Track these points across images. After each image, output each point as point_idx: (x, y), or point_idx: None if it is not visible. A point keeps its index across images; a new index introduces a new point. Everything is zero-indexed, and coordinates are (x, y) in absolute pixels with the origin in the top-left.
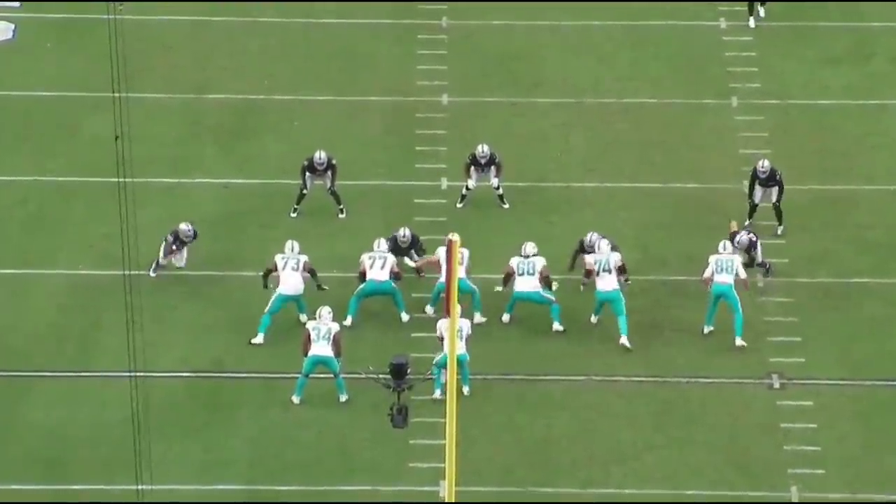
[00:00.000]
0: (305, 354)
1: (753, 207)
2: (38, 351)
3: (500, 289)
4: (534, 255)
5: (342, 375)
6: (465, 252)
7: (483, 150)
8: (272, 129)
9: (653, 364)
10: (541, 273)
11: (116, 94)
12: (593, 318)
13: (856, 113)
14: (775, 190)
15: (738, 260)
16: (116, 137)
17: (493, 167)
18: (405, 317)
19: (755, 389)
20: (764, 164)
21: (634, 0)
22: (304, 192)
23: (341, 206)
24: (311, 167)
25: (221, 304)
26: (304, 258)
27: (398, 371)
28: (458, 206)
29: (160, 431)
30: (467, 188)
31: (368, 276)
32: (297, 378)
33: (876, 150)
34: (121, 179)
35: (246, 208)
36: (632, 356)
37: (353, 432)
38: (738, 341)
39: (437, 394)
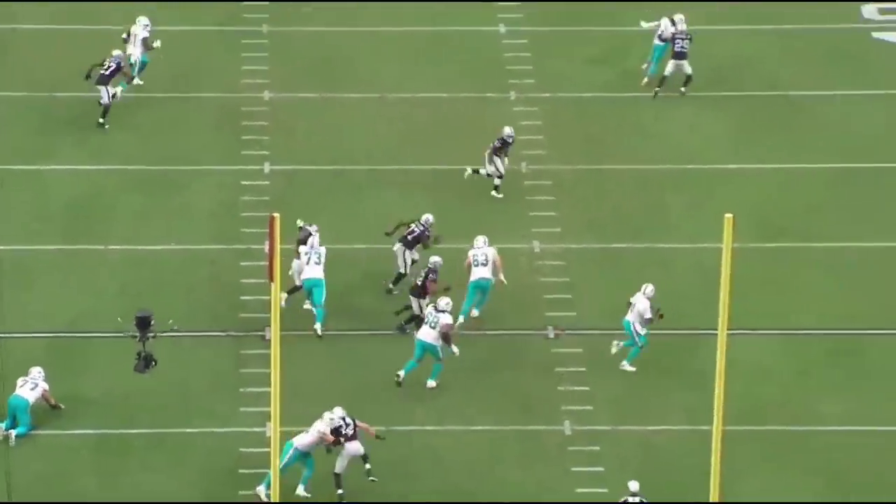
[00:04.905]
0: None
1: None
2: None
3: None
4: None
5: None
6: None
7: (511, 131)
8: (118, 122)
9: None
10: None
11: None
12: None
13: (613, 104)
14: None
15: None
16: None
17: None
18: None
19: (533, 339)
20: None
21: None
22: None
23: None
24: None
25: (75, 274)
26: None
27: (142, 323)
28: (500, 195)
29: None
30: (501, 175)
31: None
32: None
33: (629, 135)
34: None
35: (99, 191)
36: None
37: (192, 382)
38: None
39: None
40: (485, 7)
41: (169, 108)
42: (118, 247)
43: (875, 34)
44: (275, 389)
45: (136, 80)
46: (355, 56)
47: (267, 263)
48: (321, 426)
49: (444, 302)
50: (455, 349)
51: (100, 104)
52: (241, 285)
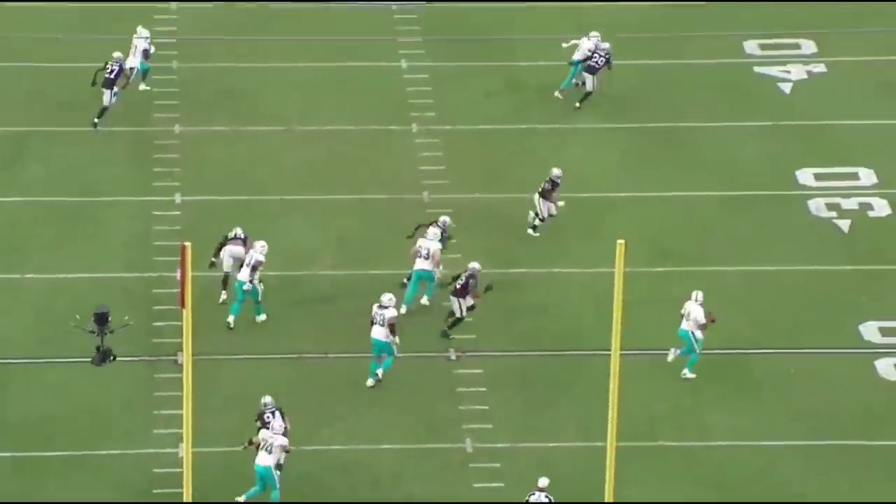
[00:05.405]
0: None
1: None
2: None
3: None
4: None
5: None
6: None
7: (560, 172)
8: (32, 155)
9: (354, 344)
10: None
11: None
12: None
13: (511, 135)
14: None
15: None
16: None
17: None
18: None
19: (436, 361)
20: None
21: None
22: None
23: None
24: None
25: None
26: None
27: (100, 319)
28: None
29: None
30: (551, 213)
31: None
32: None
33: (526, 164)
34: None
35: (14, 222)
36: (343, 336)
37: (108, 405)
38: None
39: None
40: (387, 43)
41: (83, 141)
42: (34, 276)
43: (756, 68)
44: (187, 411)
45: (143, 87)
46: (262, 90)
47: (178, 290)
48: (280, 440)
49: (387, 298)
50: (397, 340)
51: (103, 106)
52: (153, 312)
